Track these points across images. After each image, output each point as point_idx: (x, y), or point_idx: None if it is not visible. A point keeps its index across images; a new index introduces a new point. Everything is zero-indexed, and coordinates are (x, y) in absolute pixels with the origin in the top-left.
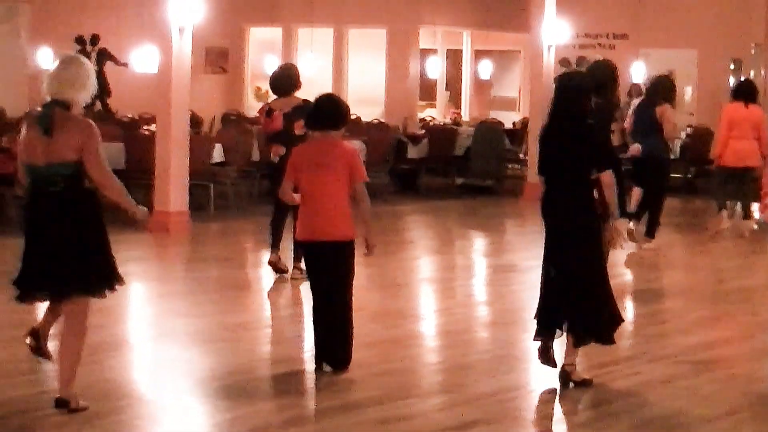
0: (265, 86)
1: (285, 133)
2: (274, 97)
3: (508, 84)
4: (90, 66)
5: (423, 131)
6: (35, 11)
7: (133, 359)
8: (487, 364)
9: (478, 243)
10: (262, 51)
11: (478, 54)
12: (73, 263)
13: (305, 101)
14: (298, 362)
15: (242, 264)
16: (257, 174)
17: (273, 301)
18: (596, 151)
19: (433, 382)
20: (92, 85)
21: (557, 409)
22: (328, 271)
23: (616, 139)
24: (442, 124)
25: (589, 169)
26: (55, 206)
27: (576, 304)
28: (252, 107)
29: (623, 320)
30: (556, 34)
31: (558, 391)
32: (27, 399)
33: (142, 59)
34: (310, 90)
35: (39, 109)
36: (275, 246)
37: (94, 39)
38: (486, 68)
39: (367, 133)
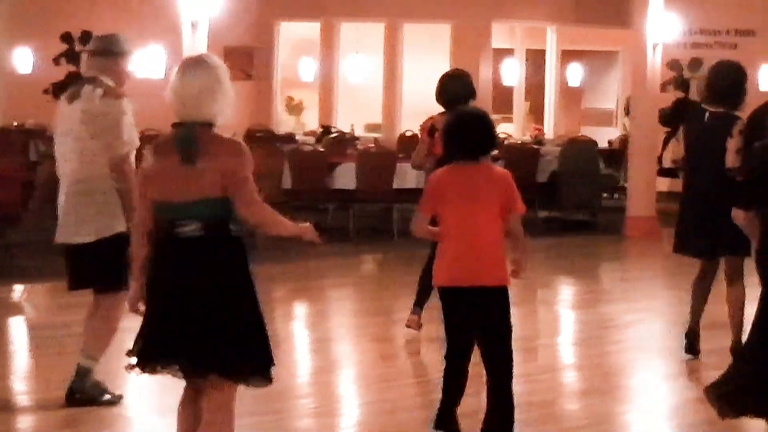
0: (299, 95)
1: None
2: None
3: (603, 93)
4: (224, 66)
5: (497, 151)
6: (13, 4)
7: None
8: None
9: (566, 292)
10: (296, 52)
11: (566, 55)
12: (217, 331)
13: None
14: None
15: (272, 319)
16: (290, 205)
17: (310, 364)
18: None
19: None
20: (228, 95)
21: None
22: (483, 324)
23: (734, 160)
24: (520, 142)
25: None
26: (192, 255)
27: None
28: (283, 122)
29: None
30: (663, 30)
31: None
32: None
33: (145, 62)
34: (356, 100)
35: (176, 130)
36: (420, 304)
37: (85, 37)
38: (576, 73)
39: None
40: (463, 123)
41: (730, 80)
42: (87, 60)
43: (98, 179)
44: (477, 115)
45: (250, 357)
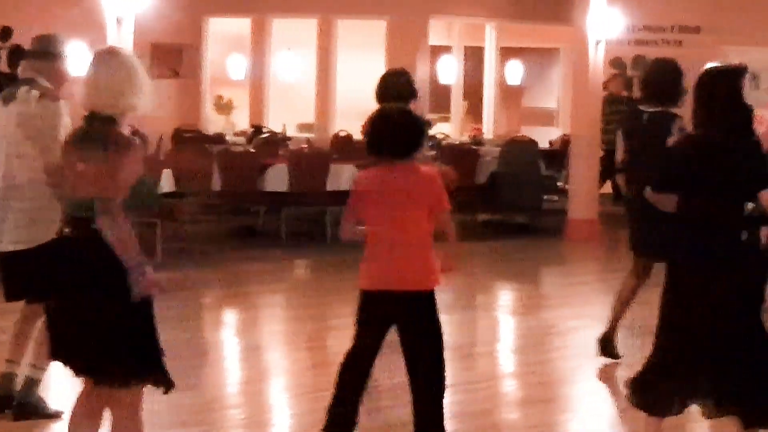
0: (229, 94)
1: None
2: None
3: (544, 91)
4: (134, 60)
5: (434, 152)
6: None
7: None
8: None
9: (506, 297)
10: (225, 49)
11: (506, 53)
12: (90, 335)
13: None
14: None
15: (201, 327)
16: (221, 209)
17: (240, 373)
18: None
19: None
20: (145, 83)
21: None
22: (409, 330)
23: None
24: (458, 143)
25: (753, 194)
26: (78, 253)
27: (746, 379)
28: (212, 121)
29: None
30: (606, 27)
31: None
32: None
33: (68, 59)
34: (288, 99)
35: (80, 125)
36: None
37: (5, 33)
38: (515, 71)
39: (362, 156)
40: (384, 122)
41: (667, 79)
42: (24, 61)
43: (35, 184)
44: (400, 114)
45: (123, 361)
